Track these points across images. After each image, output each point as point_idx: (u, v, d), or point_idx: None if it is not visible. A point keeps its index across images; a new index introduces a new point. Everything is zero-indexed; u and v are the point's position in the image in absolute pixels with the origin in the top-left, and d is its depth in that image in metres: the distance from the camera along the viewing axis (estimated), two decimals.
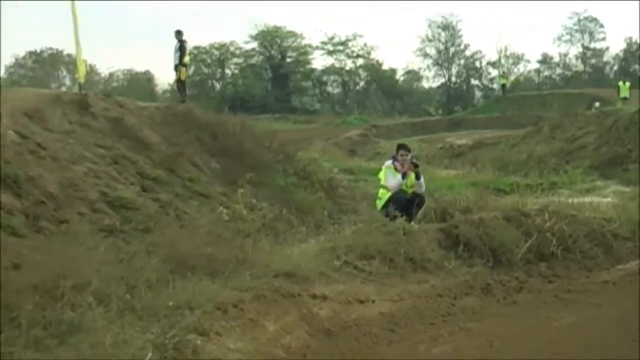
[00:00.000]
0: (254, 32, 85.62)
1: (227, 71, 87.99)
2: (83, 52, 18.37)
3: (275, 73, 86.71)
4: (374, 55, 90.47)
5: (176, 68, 23.61)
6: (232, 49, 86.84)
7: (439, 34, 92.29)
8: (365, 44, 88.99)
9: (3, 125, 13.21)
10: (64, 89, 61.57)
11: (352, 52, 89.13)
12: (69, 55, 73.88)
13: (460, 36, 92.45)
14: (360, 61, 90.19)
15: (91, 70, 26.73)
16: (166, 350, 5.81)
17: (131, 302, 6.76)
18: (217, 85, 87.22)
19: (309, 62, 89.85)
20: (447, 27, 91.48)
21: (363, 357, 7.91)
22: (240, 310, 7.48)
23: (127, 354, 4.87)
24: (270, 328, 7.65)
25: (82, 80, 18.87)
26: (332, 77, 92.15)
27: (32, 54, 78.47)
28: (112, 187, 13.37)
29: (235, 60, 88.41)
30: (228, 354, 6.62)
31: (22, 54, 79.15)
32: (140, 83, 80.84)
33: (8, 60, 78.16)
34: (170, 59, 23.89)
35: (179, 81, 24.16)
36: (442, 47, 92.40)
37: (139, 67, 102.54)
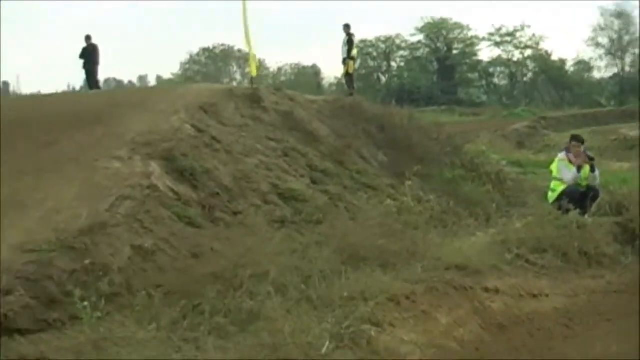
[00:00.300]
0: (420, 25, 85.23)
1: (393, 64, 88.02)
2: (254, 48, 18.78)
3: (441, 65, 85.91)
4: (543, 46, 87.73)
5: (344, 61, 23.77)
6: (398, 41, 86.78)
7: (612, 22, 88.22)
8: (533, 35, 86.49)
9: (180, 120, 13.77)
10: (234, 83, 63.50)
11: (520, 42, 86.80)
12: (239, 50, 76.18)
13: (635, 24, 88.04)
14: (528, 52, 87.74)
15: (260, 65, 27.42)
16: (342, 340, 5.88)
17: (306, 292, 6.89)
18: (383, 78, 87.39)
19: (475, 54, 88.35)
20: (621, 15, 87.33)
21: (537, 353, 7.71)
22: (412, 303, 7.48)
23: (305, 342, 4.96)
24: (442, 321, 7.60)
25: (254, 74, 19.32)
26: (499, 69, 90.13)
27: (205, 50, 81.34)
28: (283, 179, 13.63)
29: (401, 53, 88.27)
30: (401, 345, 6.63)
31: (195, 50, 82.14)
32: (308, 77, 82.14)
33: (183, 57, 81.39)
34: (337, 52, 24.09)
35: (347, 74, 24.32)
36: (615, 36, 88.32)
37: (307, 61, 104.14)
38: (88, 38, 23.64)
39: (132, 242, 9.41)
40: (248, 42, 18.38)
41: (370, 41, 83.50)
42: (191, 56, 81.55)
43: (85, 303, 5.67)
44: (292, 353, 4.78)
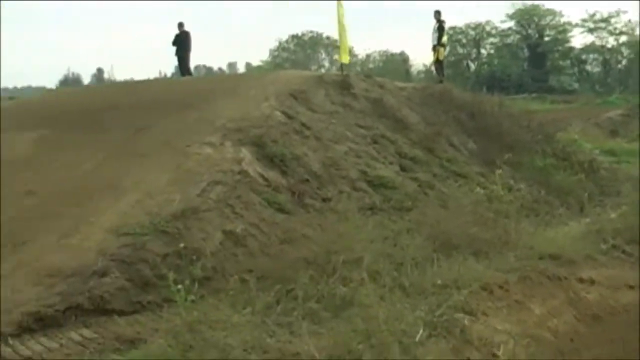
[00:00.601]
0: (511, 11, 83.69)
1: (483, 51, 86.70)
2: (347, 34, 18.70)
3: (532, 52, 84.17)
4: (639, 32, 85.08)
5: (434, 48, 23.49)
6: (488, 28, 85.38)
7: None
8: (629, 20, 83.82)
9: (271, 106, 13.85)
10: (322, 70, 63.65)
11: (615, 29, 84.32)
12: (327, 37, 76.30)
13: None
14: (623, 38, 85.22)
15: (350, 52, 27.52)
16: (435, 328, 5.81)
17: (399, 279, 6.83)
18: (472, 66, 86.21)
19: (567, 41, 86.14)
20: None
21: (633, 345, 7.47)
22: (505, 292, 7.35)
23: (399, 329, 4.91)
24: (536, 311, 7.45)
25: (346, 61, 19.28)
26: (592, 56, 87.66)
27: (294, 37, 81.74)
28: (372, 166, 13.57)
29: (491, 40, 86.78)
30: (495, 334, 6.52)
31: (284, 37, 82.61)
32: (396, 64, 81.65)
33: (272, 44, 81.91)
34: (426, 39, 23.87)
35: (437, 61, 24.03)
36: None
37: (395, 48, 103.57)
38: (180, 25, 23.90)
39: (223, 227, 9.52)
40: (341, 29, 18.33)
41: (460, 28, 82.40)
42: (280, 43, 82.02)
43: (180, 286, 5.74)
44: (386, 340, 4.74)
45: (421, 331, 4.96)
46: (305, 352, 4.68)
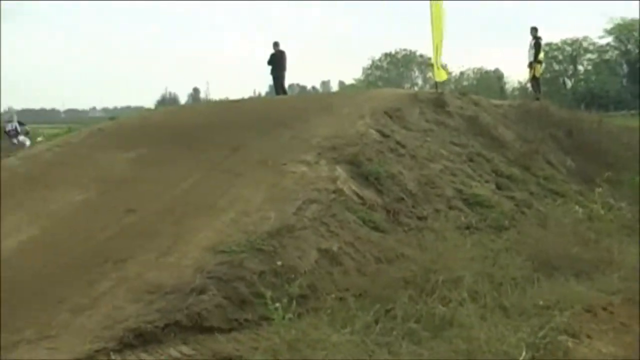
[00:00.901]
0: (609, 27, 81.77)
1: (580, 67, 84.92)
2: (441, 52, 18.59)
3: (632, 68, 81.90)
4: None
5: (531, 65, 23.18)
6: (585, 44, 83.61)
7: None
8: None
9: (366, 124, 13.84)
10: (416, 88, 63.38)
11: None
12: (421, 55, 75.99)
13: None
14: None
15: (446, 71, 27.41)
16: (538, 350, 5.65)
17: (499, 299, 6.69)
18: (569, 82, 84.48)
19: None
20: None
21: None
22: (610, 314, 7.11)
23: (501, 351, 4.79)
24: None
25: (441, 78, 19.17)
26: None
27: (387, 55, 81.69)
28: (467, 184, 13.40)
29: (589, 56, 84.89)
30: (599, 358, 6.30)
31: (377, 55, 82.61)
32: (490, 81, 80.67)
33: (365, 62, 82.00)
34: (520, 56, 23.55)
35: (534, 78, 23.71)
36: None
37: (489, 65, 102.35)
38: (276, 45, 24.19)
39: (319, 246, 9.50)
40: (436, 46, 18.23)
41: (556, 44, 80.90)
42: (373, 61, 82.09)
43: (277, 304, 5.74)
44: None
45: (524, 353, 4.81)
46: None
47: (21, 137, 26.21)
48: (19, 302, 8.02)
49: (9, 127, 26.68)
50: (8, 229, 10.88)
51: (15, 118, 27.87)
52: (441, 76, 19.18)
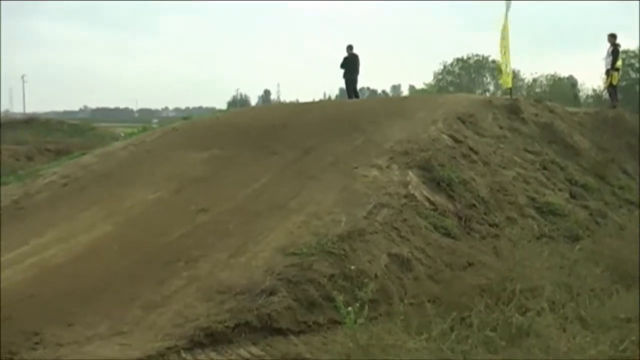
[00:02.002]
0: None
1: None
2: (509, 58, 18.35)
3: None
4: None
5: (608, 72, 22.66)
6: None
7: None
8: None
9: (438, 129, 13.72)
10: (487, 94, 62.74)
11: None
12: (493, 61, 74.97)
13: None
14: None
15: (514, 76, 26.91)
16: None
17: (577, 310, 6.53)
18: None
19: None
20: None
21: None
22: None
23: None
24: None
25: (508, 85, 18.93)
26: None
27: (459, 60, 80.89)
28: (541, 192, 13.19)
29: None
30: None
31: (449, 60, 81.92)
32: (564, 88, 79.27)
33: (436, 66, 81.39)
34: (594, 63, 23.09)
35: (611, 86, 23.15)
36: None
37: (563, 72, 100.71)
38: (350, 48, 24.15)
39: (389, 250, 9.43)
40: (504, 51, 18.02)
41: (633, 51, 79.22)
42: (445, 66, 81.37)
43: (350, 308, 5.70)
44: None
45: None
46: None
47: None
48: (92, 298, 8.14)
49: None
50: (82, 225, 11.09)
51: None
52: (508, 82, 18.91)
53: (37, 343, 7.07)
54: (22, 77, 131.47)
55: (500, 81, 19.58)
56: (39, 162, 24.56)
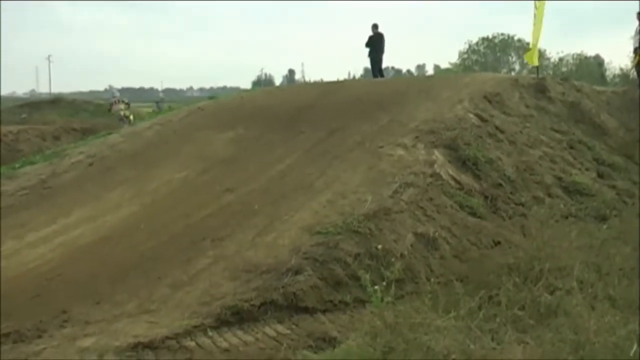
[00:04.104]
0: None
1: None
2: (540, 36, 18.18)
3: None
4: None
5: (636, 51, 22.33)
6: None
7: None
8: None
9: (464, 108, 13.64)
10: (512, 73, 62.23)
11: None
12: (519, 40, 74.28)
13: None
14: None
15: (540, 55, 26.53)
16: None
17: (606, 290, 6.47)
18: None
19: None
20: None
21: None
22: None
23: (610, 342, 4.61)
24: None
25: (535, 63, 18.76)
26: None
27: (484, 39, 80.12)
28: (568, 172, 13.07)
29: None
30: None
31: (475, 39, 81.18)
32: (590, 67, 78.35)
33: (462, 46, 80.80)
34: (623, 42, 22.77)
35: (639, 65, 22.84)
36: None
37: (589, 51, 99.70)
38: (375, 27, 23.95)
39: (415, 229, 9.41)
40: (537, 29, 17.84)
41: None
42: (470, 45, 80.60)
43: (376, 287, 5.69)
44: (597, 353, 4.45)
45: (635, 347, 4.62)
46: None
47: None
48: (120, 277, 8.21)
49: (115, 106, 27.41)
50: (109, 205, 11.18)
51: (117, 94, 28.61)
52: (533, 60, 18.73)
53: (65, 321, 7.14)
54: (48, 57, 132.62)
55: (526, 58, 19.31)
56: (65, 142, 24.74)
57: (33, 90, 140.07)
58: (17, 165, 14.93)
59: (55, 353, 6.29)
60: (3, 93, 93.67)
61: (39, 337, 6.78)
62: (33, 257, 9.28)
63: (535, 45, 18.63)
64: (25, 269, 8.91)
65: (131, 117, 26.61)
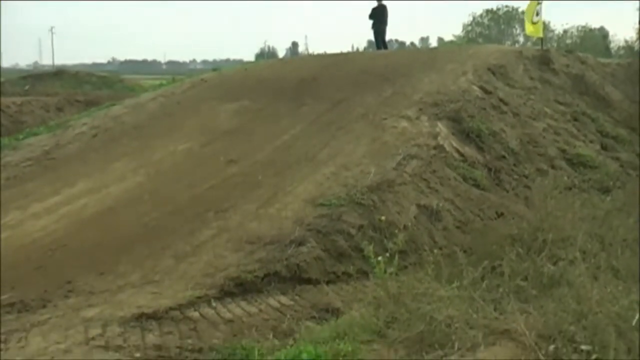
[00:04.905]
0: None
1: None
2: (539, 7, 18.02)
3: None
4: None
5: None
6: None
7: None
8: None
9: (468, 81, 13.60)
10: (516, 45, 61.94)
11: None
12: (523, 12, 73.95)
13: None
14: None
15: (544, 27, 26.42)
16: None
17: (609, 260, 6.48)
18: None
19: None
20: None
21: None
22: None
23: (613, 312, 4.62)
24: None
25: (535, 35, 18.60)
26: None
27: (488, 12, 79.70)
28: (571, 144, 13.07)
29: None
30: None
31: (479, 12, 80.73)
32: (595, 40, 77.89)
33: (466, 18, 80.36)
34: (628, 14, 22.67)
35: None
36: None
37: (594, 24, 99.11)
38: None
39: (418, 201, 9.44)
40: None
41: None
42: (474, 18, 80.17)
43: (380, 258, 5.70)
44: (600, 322, 4.47)
45: (637, 316, 4.63)
46: (514, 330, 4.51)
47: None
48: (124, 248, 8.23)
49: None
50: (114, 176, 11.18)
51: None
52: (535, 32, 18.52)
53: (69, 291, 7.17)
54: (51, 29, 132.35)
55: (528, 32, 19.09)
56: (69, 113, 24.70)
57: (36, 62, 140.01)
58: (20, 137, 14.93)
59: (59, 323, 6.32)
60: (5, 65, 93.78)
61: (44, 307, 6.80)
62: (37, 228, 9.30)
63: (530, 17, 18.41)
64: (29, 239, 8.92)
65: None
